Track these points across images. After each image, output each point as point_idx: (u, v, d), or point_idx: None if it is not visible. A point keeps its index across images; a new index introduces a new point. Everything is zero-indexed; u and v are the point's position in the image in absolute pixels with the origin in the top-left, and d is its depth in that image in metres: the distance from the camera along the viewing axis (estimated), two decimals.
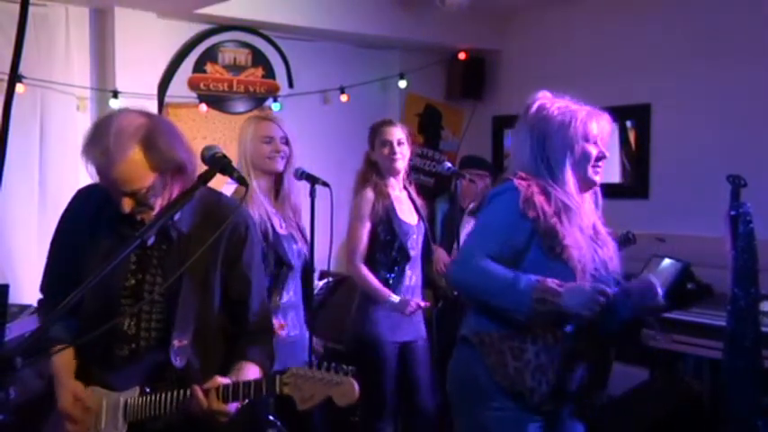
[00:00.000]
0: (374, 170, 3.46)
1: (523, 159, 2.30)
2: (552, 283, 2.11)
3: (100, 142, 1.84)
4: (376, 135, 3.46)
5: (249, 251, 2.10)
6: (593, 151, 2.26)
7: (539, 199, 2.18)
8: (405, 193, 3.53)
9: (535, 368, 2.16)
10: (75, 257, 2.02)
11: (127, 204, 1.89)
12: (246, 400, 1.91)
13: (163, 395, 1.93)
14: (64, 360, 2.02)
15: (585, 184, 2.30)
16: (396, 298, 3.36)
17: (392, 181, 3.47)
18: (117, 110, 1.96)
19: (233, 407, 1.91)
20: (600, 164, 2.29)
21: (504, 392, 2.19)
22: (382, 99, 5.63)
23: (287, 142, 3.03)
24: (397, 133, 3.44)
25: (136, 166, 1.84)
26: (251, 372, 2.00)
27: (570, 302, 2.08)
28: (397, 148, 3.41)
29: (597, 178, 2.30)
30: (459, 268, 2.22)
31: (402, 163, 3.44)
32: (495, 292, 2.13)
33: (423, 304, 3.44)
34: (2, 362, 1.52)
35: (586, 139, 2.25)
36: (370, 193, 3.40)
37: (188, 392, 1.90)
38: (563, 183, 2.23)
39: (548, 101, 2.30)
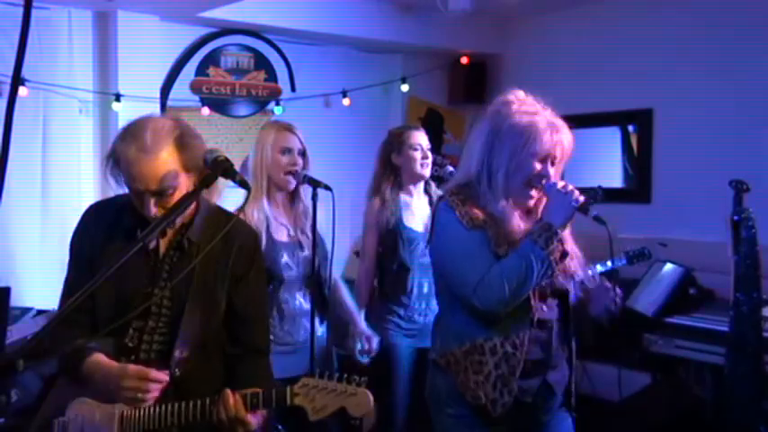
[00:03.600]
0: (392, 175, 3.44)
1: (472, 155, 2.22)
2: (537, 228, 2.11)
3: (136, 139, 1.88)
4: (403, 139, 3.42)
5: (256, 269, 2.11)
6: (536, 167, 2.14)
7: (472, 210, 2.15)
8: (424, 200, 3.50)
9: (496, 379, 2.14)
10: (92, 275, 2.01)
11: (153, 205, 1.90)
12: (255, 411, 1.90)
13: (160, 407, 1.91)
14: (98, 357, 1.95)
15: (519, 198, 2.20)
16: (360, 329, 3.23)
17: (410, 187, 3.46)
18: (142, 116, 1.99)
19: (255, 420, 1.89)
20: (540, 183, 2.16)
21: (462, 402, 2.18)
22: (384, 103, 5.63)
23: (303, 154, 3.03)
24: (424, 139, 3.45)
25: (169, 163, 1.88)
26: None
27: (559, 220, 2.11)
28: (428, 153, 3.42)
29: (531, 201, 2.20)
30: (480, 299, 2.10)
31: (428, 169, 3.44)
32: (521, 280, 2.07)
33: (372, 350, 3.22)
34: (3, 365, 1.52)
35: (532, 152, 2.13)
36: (376, 203, 3.41)
37: (198, 402, 1.88)
38: (495, 189, 2.16)
39: (516, 100, 2.20)
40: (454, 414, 2.21)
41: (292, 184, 3.01)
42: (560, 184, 2.15)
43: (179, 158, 1.90)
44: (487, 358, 2.14)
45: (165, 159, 1.88)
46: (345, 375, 1.77)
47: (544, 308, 2.21)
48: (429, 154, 3.43)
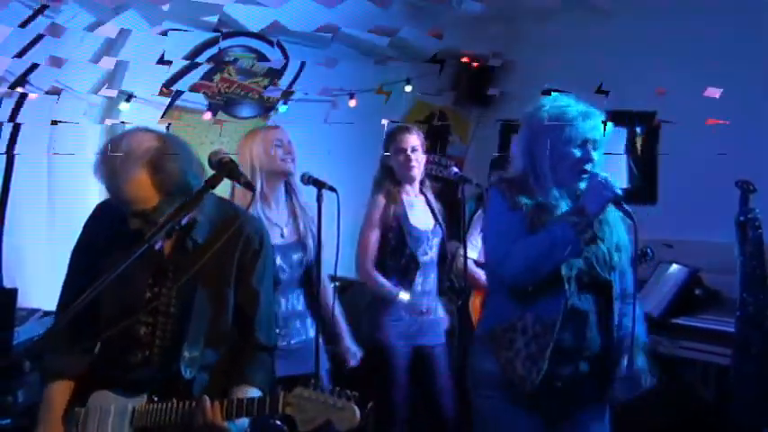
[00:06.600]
0: (389, 175, 3.46)
1: (517, 155, 2.38)
2: (574, 211, 2.21)
3: (109, 162, 1.88)
4: (391, 141, 3.45)
5: (261, 265, 2.12)
6: (577, 154, 2.27)
7: (518, 195, 2.26)
8: (421, 198, 3.52)
9: (525, 357, 2.20)
10: (93, 273, 2.03)
11: (134, 223, 1.94)
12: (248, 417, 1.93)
13: (169, 404, 1.95)
14: (58, 396, 2.02)
15: (570, 185, 2.32)
16: (405, 296, 3.36)
17: (407, 186, 3.47)
18: (130, 129, 1.99)
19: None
20: (585, 167, 2.28)
21: (495, 382, 2.25)
22: (389, 104, 5.62)
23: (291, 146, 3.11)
24: (412, 141, 3.44)
25: (142, 187, 1.87)
26: (251, 394, 1.99)
27: (594, 207, 2.20)
28: (412, 156, 3.42)
29: (582, 183, 2.30)
30: (505, 270, 2.25)
31: (417, 170, 3.45)
32: (542, 255, 2.17)
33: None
34: (10, 366, 1.53)
35: (570, 141, 2.25)
36: (381, 200, 3.41)
37: (193, 403, 1.91)
38: (545, 182, 2.27)
39: (548, 100, 2.34)
40: (489, 395, 2.29)
41: (291, 166, 3.06)
42: (603, 174, 2.25)
43: (153, 182, 1.88)
44: (518, 336, 2.22)
45: (137, 183, 1.87)
46: (338, 389, 1.79)
47: (579, 297, 2.24)
48: (419, 156, 3.43)
